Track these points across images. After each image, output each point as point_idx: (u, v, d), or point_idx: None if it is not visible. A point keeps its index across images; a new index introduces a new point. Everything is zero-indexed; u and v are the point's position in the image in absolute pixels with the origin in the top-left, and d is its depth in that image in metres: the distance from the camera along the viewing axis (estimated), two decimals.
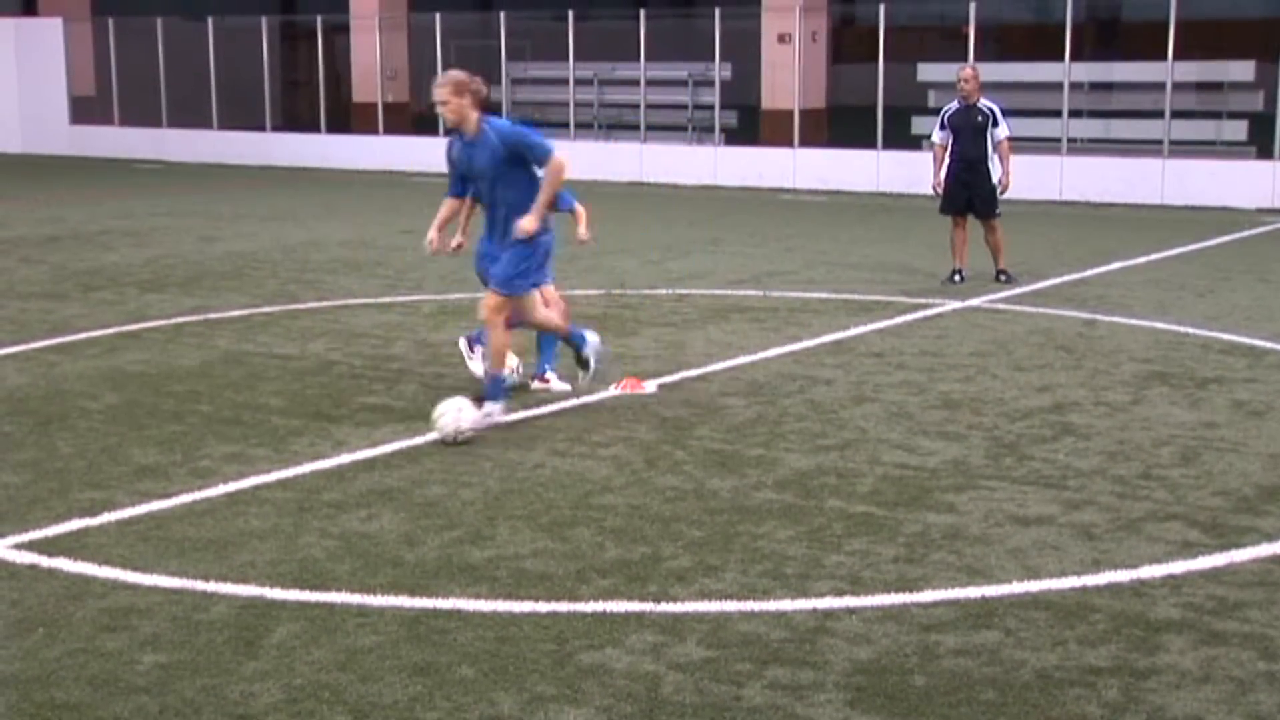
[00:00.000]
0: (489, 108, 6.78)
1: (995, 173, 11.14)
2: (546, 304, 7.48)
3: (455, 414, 6.42)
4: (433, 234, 7.16)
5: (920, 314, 9.96)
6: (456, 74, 6.64)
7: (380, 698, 3.90)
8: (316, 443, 6.50)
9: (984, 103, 11.09)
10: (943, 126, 11.28)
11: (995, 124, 11.04)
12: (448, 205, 7.18)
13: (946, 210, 11.36)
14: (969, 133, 11.07)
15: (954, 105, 11.24)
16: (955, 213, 11.28)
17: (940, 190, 11.31)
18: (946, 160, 11.23)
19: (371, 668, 4.08)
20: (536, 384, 7.56)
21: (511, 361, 7.19)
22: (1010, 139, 11.27)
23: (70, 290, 11.13)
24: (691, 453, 6.35)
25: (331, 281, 11.60)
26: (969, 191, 11.15)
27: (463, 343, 7.80)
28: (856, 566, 4.90)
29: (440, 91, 6.55)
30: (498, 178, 6.64)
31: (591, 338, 7.21)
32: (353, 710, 3.83)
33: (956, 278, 11.24)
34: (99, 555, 5.00)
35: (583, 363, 7.17)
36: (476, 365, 7.56)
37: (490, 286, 6.80)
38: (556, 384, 7.54)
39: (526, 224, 6.59)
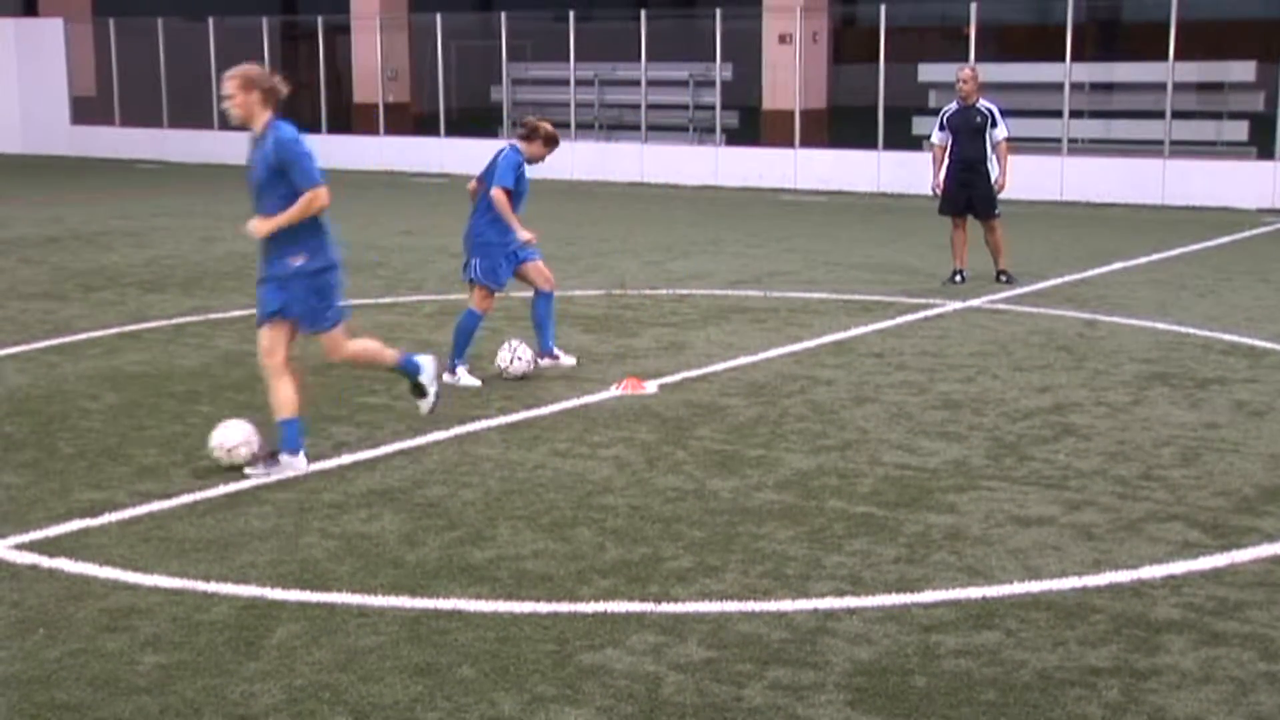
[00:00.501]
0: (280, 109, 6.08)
1: (994, 173, 11.16)
2: (546, 280, 7.76)
3: (245, 439, 6.02)
4: None
5: (921, 314, 9.97)
6: (248, 67, 6.03)
7: (381, 698, 3.91)
8: (317, 443, 6.48)
9: (983, 103, 11.12)
10: (941, 127, 11.31)
11: (994, 124, 11.07)
12: None
13: (946, 211, 11.38)
14: (968, 133, 11.10)
15: (953, 106, 11.27)
16: (954, 213, 11.31)
17: (939, 191, 11.33)
18: (946, 161, 11.25)
19: (372, 668, 4.10)
20: (546, 361, 7.74)
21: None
22: (1009, 140, 11.30)
23: (71, 291, 11.15)
24: (692, 453, 6.37)
25: None
26: (968, 192, 11.17)
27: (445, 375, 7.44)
28: (857, 567, 4.92)
29: (228, 84, 5.95)
30: (263, 186, 5.95)
31: (426, 363, 6.46)
32: (353, 710, 3.84)
33: (957, 278, 11.25)
34: (100, 556, 5.02)
35: (419, 390, 6.46)
36: (465, 379, 7.61)
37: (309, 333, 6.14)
38: (565, 358, 7.72)
39: (255, 226, 5.92)
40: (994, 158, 11.15)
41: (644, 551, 5.06)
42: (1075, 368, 8.19)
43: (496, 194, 7.59)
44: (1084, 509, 5.57)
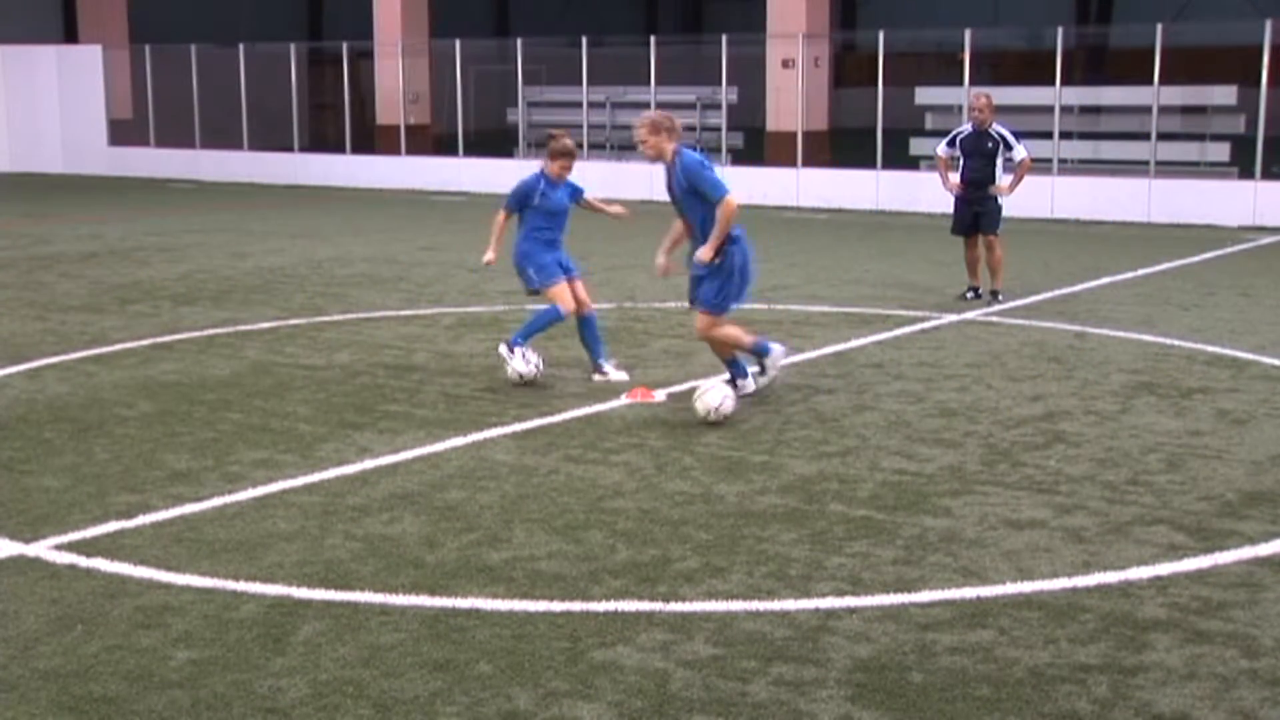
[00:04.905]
0: None
1: (999, 180, 11.28)
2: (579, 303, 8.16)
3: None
4: None
5: (918, 327, 10.10)
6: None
7: (402, 693, 4.03)
8: (341, 449, 6.67)
9: (996, 128, 11.29)
10: (951, 144, 11.52)
11: (1009, 148, 11.22)
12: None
13: (956, 231, 11.58)
14: (979, 157, 11.27)
15: (966, 128, 11.46)
16: (964, 233, 11.48)
17: (958, 192, 11.47)
18: (957, 180, 11.42)
19: (393, 664, 4.21)
20: (597, 377, 8.14)
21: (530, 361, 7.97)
22: (1030, 159, 11.47)
23: (108, 303, 11.37)
24: (699, 459, 6.50)
25: (356, 295, 11.81)
26: (975, 210, 11.35)
27: (503, 348, 8.12)
28: (857, 568, 5.03)
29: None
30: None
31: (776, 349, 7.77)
32: (375, 704, 3.95)
33: (969, 294, 11.39)
34: (134, 556, 5.17)
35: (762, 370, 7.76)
36: (519, 364, 8.01)
37: None
38: (615, 374, 8.13)
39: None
40: (1003, 175, 11.32)
41: (653, 553, 5.18)
42: (1065, 378, 8.31)
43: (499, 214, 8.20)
44: (1074, 513, 5.68)
